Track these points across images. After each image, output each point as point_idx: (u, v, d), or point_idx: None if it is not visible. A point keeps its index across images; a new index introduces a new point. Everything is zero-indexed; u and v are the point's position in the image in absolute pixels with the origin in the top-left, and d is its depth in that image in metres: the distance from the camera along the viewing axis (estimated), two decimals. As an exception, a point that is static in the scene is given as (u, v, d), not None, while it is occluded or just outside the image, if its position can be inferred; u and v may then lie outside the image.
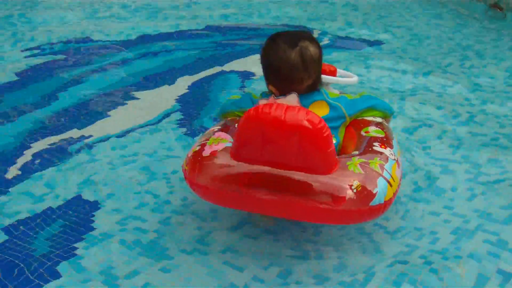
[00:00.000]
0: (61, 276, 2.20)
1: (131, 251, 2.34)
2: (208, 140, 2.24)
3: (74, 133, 3.27)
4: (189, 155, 2.21)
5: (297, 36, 2.30)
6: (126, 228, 2.48)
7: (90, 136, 3.23)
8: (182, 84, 3.93)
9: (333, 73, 2.70)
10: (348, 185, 2.00)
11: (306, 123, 1.90)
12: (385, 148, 2.23)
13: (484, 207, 2.56)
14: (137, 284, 2.17)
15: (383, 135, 2.33)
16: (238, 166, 2.09)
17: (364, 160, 2.11)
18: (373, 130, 2.37)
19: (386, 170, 2.10)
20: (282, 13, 5.30)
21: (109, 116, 3.48)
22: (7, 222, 2.52)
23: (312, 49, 2.27)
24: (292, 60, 2.24)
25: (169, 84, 3.93)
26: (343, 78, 2.70)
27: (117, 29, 4.88)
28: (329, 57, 4.31)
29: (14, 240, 2.41)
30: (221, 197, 2.13)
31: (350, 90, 3.41)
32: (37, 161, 2.99)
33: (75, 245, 2.37)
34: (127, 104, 3.65)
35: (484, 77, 3.96)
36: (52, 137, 3.23)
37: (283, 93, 2.26)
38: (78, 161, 2.97)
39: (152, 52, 4.50)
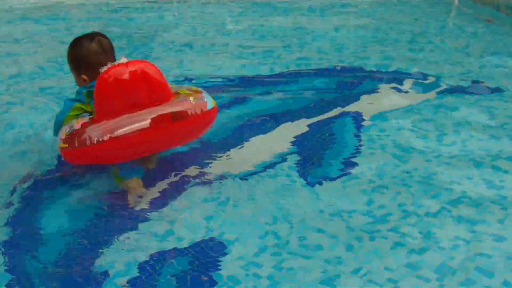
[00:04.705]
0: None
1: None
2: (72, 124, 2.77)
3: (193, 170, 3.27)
4: (64, 137, 2.76)
5: (92, 34, 3.09)
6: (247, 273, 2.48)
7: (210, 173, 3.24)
8: (302, 125, 3.83)
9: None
10: (190, 99, 2.86)
11: (149, 67, 2.68)
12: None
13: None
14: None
15: None
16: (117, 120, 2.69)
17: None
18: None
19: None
20: (385, 56, 5.20)
21: (229, 157, 3.45)
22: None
23: (106, 40, 3.07)
24: (94, 49, 3.00)
25: (289, 124, 3.86)
26: None
27: (223, 68, 4.90)
28: (448, 100, 4.16)
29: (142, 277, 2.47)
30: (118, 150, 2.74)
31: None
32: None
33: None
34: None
35: None
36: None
37: (93, 79, 2.83)
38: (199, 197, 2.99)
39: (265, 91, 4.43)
